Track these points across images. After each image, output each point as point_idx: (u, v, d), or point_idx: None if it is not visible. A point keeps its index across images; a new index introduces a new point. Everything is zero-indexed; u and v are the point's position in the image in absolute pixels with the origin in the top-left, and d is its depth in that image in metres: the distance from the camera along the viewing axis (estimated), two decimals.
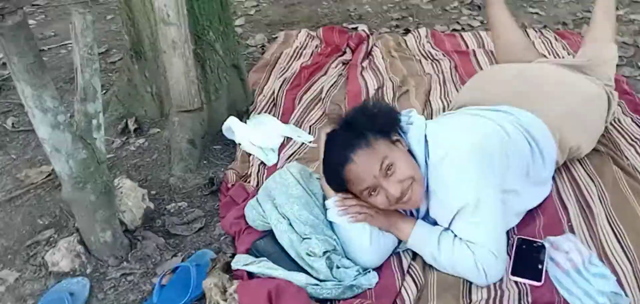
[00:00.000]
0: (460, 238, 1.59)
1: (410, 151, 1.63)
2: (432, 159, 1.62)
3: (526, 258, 1.62)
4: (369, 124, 1.59)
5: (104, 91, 2.59)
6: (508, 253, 1.64)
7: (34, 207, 2.01)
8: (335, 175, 1.60)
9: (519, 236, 1.71)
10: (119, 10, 2.34)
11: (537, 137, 1.79)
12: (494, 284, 1.56)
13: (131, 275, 1.72)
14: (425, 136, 1.65)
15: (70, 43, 3.26)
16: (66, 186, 1.64)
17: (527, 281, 1.56)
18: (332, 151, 1.62)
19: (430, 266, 1.64)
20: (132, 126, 2.37)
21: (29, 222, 1.95)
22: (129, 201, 1.83)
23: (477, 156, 1.59)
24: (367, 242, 1.62)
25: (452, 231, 1.62)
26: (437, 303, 1.53)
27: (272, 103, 2.59)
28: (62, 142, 1.55)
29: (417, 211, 1.70)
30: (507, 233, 1.70)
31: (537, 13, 3.43)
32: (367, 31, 3.21)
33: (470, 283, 1.57)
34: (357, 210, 1.64)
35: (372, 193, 1.56)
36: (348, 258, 1.65)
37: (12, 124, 2.52)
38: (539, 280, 1.55)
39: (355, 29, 3.26)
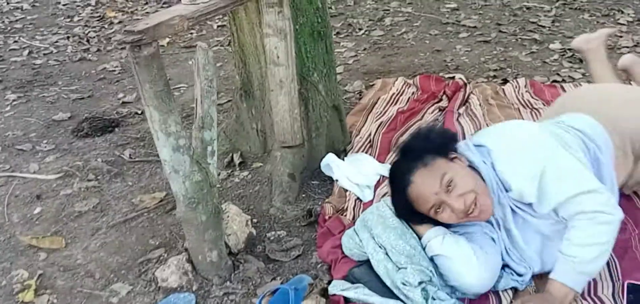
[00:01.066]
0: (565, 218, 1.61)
1: (471, 167, 1.70)
2: (492, 149, 1.73)
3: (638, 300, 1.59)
4: (425, 146, 1.70)
5: None
6: (620, 297, 1.61)
7: (147, 229, 2.18)
8: (401, 200, 1.70)
9: (628, 280, 1.67)
10: (233, 53, 2.52)
11: (592, 135, 1.83)
12: None
13: (233, 295, 1.81)
14: (478, 143, 1.78)
15: (182, 86, 3.55)
16: (180, 206, 1.77)
17: None
18: (394, 178, 1.74)
19: None
20: (237, 160, 2.52)
21: (141, 242, 2.11)
22: (234, 225, 1.95)
23: (531, 128, 1.83)
24: (474, 260, 1.63)
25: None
26: None
27: (369, 144, 2.66)
28: (181, 164, 1.69)
29: (503, 219, 1.73)
30: (612, 277, 1.67)
31: None
32: (464, 80, 3.24)
33: None
34: None
35: (438, 211, 1.64)
36: (450, 287, 1.66)
37: (129, 155, 2.74)
38: None
39: (452, 78, 3.29)
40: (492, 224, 1.74)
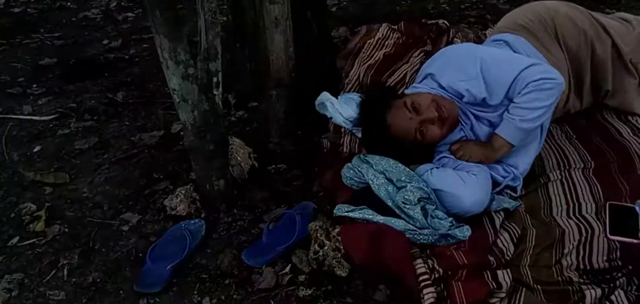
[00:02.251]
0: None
1: None
2: (434, 73, 1.98)
3: (620, 219, 1.72)
4: (378, 99, 1.97)
5: None
6: (602, 216, 1.75)
7: (149, 164, 2.24)
8: (388, 145, 1.91)
9: (610, 202, 1.80)
10: None
11: (513, 42, 2.08)
12: (585, 236, 1.66)
13: (241, 221, 1.90)
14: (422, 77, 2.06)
15: None
16: (189, 135, 1.84)
17: (625, 239, 1.64)
18: (372, 134, 1.97)
19: (529, 223, 1.78)
20: (232, 100, 2.58)
21: (146, 175, 2.17)
22: (239, 156, 2.03)
23: (461, 44, 2.36)
24: (462, 184, 1.77)
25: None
26: (533, 251, 1.65)
27: (358, 86, 2.74)
28: (190, 93, 1.75)
29: (471, 128, 1.96)
30: (594, 198, 1.82)
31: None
32: (447, 24, 3.33)
33: (563, 234, 1.67)
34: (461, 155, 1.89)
35: (423, 132, 1.85)
36: (448, 212, 1.79)
37: (122, 97, 2.77)
38: (636, 238, 1.64)
39: (436, 23, 3.37)
40: None
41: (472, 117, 1.96)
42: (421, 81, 2.02)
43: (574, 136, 2.20)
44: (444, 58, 2.00)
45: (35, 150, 2.35)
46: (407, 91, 2.05)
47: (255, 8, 2.40)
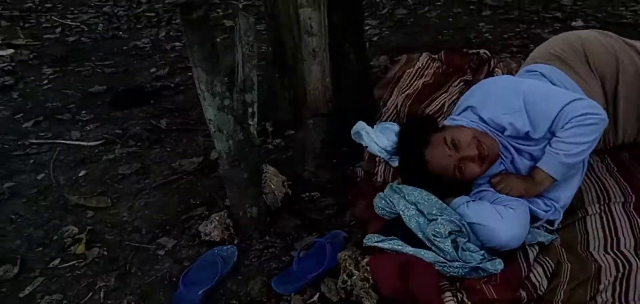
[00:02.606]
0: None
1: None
2: (475, 105, 1.95)
3: None
4: (416, 132, 1.96)
5: None
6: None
7: (188, 190, 2.30)
8: (426, 181, 1.90)
9: None
10: (266, 25, 2.62)
11: (548, 73, 2.04)
12: (623, 272, 1.61)
13: (272, 248, 1.93)
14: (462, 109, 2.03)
15: None
16: (224, 164, 1.88)
17: None
18: (410, 170, 1.97)
19: (564, 258, 1.74)
20: (270, 128, 2.63)
21: (183, 201, 2.22)
22: (272, 184, 2.06)
23: (501, 76, 2.27)
24: (499, 218, 1.74)
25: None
26: (567, 287, 1.61)
27: (396, 115, 2.75)
28: (225, 124, 1.79)
29: (512, 161, 1.94)
30: (634, 233, 1.76)
31: None
32: (488, 54, 3.30)
33: (599, 270, 1.63)
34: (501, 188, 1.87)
35: (462, 169, 1.82)
36: (483, 246, 1.77)
37: (166, 124, 2.86)
38: None
39: (477, 53, 3.36)
40: None
41: (513, 151, 1.93)
42: (460, 113, 2.01)
43: (615, 169, 2.14)
44: (485, 90, 1.98)
45: (80, 174, 2.45)
46: (445, 122, 2.04)
47: (295, 39, 2.46)
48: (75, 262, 1.95)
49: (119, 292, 1.80)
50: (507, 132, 1.89)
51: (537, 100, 1.83)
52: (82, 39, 4.32)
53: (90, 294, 1.81)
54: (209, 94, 1.75)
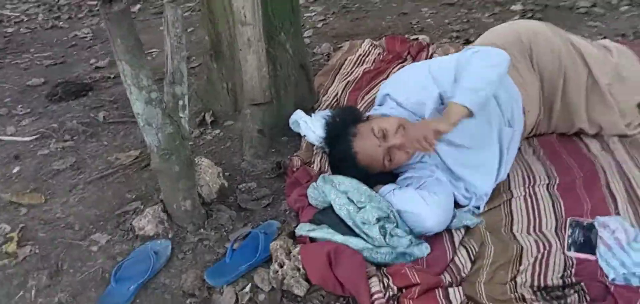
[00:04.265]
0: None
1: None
2: (390, 92, 2.06)
3: (579, 236, 1.74)
4: (343, 124, 1.98)
5: None
6: (562, 232, 1.78)
7: (123, 184, 2.28)
8: (356, 173, 1.91)
9: (570, 217, 1.82)
10: (202, 16, 2.60)
11: None
12: (543, 252, 1.69)
13: (207, 240, 1.93)
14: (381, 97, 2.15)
15: (154, 51, 3.62)
16: (155, 157, 1.87)
17: (582, 256, 1.67)
18: (339, 162, 1.98)
19: (488, 240, 1.79)
20: (209, 119, 2.63)
21: (118, 196, 2.21)
22: (207, 176, 2.06)
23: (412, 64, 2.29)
24: (423, 204, 1.79)
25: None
26: (490, 269, 1.68)
27: (336, 103, 2.78)
28: (154, 117, 1.78)
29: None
30: (555, 214, 1.84)
31: (597, 26, 3.48)
32: (428, 40, 3.36)
33: (521, 251, 1.70)
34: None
35: (391, 158, 1.87)
36: (412, 231, 1.81)
37: (103, 117, 2.82)
38: (593, 254, 1.66)
39: (417, 39, 3.41)
40: (434, 166, 1.95)
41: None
42: (381, 103, 2.05)
43: (541, 151, 2.22)
44: (397, 77, 2.08)
45: (14, 171, 2.40)
46: (369, 113, 2.07)
47: (230, 29, 2.45)
48: (6, 261, 1.91)
49: (51, 290, 1.78)
50: (427, 108, 1.92)
51: (441, 65, 1.96)
52: (21, 29, 4.20)
53: (21, 292, 1.78)
54: (135, 88, 1.73)
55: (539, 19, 3.54)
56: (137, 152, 2.46)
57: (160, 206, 2.00)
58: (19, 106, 2.99)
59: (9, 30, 4.19)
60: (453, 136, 1.90)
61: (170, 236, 1.95)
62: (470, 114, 1.72)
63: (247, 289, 1.72)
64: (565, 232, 1.78)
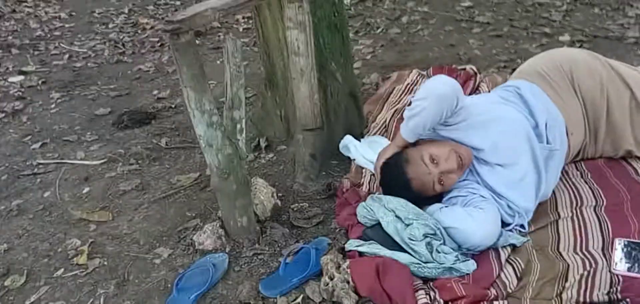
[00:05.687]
0: None
1: None
2: None
3: (626, 254, 1.78)
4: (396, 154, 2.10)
5: None
6: (609, 251, 1.82)
7: (184, 203, 2.43)
8: (410, 197, 2.00)
9: (618, 237, 1.85)
10: (258, 47, 2.77)
11: (521, 86, 2.23)
12: (589, 270, 1.73)
13: (261, 255, 2.05)
14: None
15: (212, 82, 3.81)
16: (214, 177, 2.01)
17: (629, 274, 1.71)
18: (394, 190, 2.05)
19: (535, 257, 1.86)
20: (263, 144, 2.77)
21: (179, 214, 2.36)
22: (261, 196, 2.19)
23: None
24: (470, 219, 1.86)
25: None
26: (535, 284, 1.73)
27: (384, 129, 2.88)
28: (214, 139, 1.93)
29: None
30: (603, 234, 1.89)
31: None
32: (475, 69, 3.43)
33: (567, 268, 1.75)
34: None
35: (442, 182, 1.96)
36: (459, 248, 1.89)
37: (166, 143, 3.01)
38: None
39: (464, 69, 3.49)
40: (477, 184, 2.04)
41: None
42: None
43: (589, 174, 2.25)
44: None
45: (84, 191, 2.60)
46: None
47: (284, 60, 2.60)
48: (77, 272, 2.07)
49: (118, 298, 1.93)
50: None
51: None
52: (89, 64, 4.49)
53: (91, 300, 1.93)
54: (198, 112, 1.89)
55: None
56: (197, 175, 2.62)
57: (218, 222, 2.14)
58: (88, 133, 3.21)
59: (78, 64, 4.49)
60: (486, 155, 1.99)
61: (227, 250, 2.08)
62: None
63: (299, 300, 1.82)
64: (612, 251, 1.81)
